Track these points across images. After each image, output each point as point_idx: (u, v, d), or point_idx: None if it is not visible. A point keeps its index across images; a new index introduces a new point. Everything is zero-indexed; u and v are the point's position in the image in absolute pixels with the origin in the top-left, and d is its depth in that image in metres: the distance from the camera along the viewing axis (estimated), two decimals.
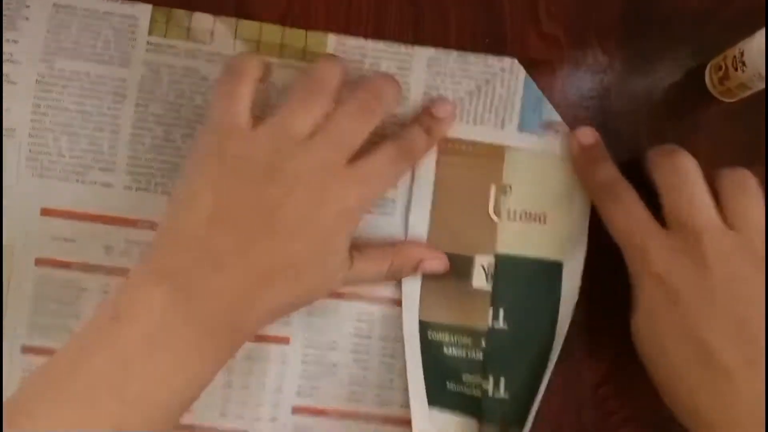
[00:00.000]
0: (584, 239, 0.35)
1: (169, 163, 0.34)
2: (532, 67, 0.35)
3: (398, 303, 0.35)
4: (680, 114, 0.36)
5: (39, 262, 0.34)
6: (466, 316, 0.35)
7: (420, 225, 0.35)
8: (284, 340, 0.35)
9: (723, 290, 0.30)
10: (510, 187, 0.35)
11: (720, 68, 0.34)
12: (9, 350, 0.33)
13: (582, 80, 0.36)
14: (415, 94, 0.35)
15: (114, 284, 0.34)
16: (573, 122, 0.35)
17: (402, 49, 0.35)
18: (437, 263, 0.34)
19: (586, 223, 0.35)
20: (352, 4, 0.35)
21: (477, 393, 0.34)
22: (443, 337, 0.35)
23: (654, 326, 0.31)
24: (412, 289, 0.35)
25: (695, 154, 0.34)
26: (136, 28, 0.34)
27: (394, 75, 0.33)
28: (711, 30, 0.36)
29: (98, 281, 0.34)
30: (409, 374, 0.34)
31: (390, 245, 0.34)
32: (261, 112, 0.30)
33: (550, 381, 0.34)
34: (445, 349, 0.35)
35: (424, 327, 0.35)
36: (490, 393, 0.34)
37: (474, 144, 0.35)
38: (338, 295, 0.35)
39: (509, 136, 0.35)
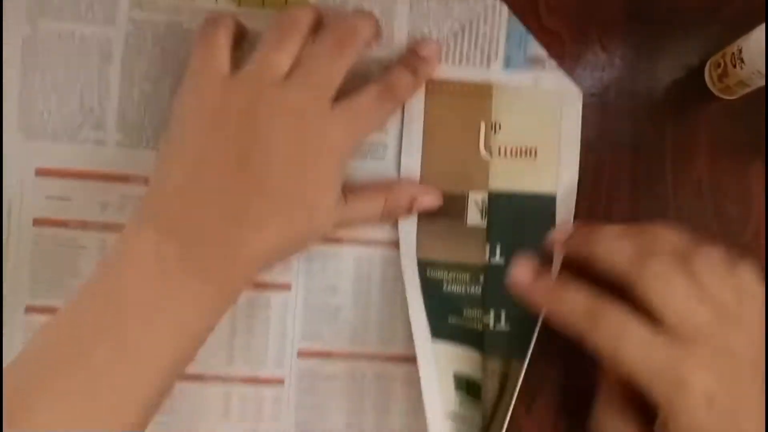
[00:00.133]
0: (575, 169, 0.35)
1: (158, 118, 0.34)
2: None
3: (396, 245, 0.35)
4: (680, 111, 0.36)
5: (36, 222, 0.34)
6: (463, 254, 0.35)
7: (412, 167, 0.35)
8: (285, 287, 0.35)
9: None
10: (499, 125, 0.35)
11: (719, 65, 0.34)
12: (12, 311, 0.34)
13: (582, 77, 0.36)
14: (398, 38, 0.35)
15: (111, 240, 0.34)
16: None
17: None
18: (431, 199, 0.34)
19: (577, 154, 0.35)
20: None
21: (478, 327, 0.35)
22: (442, 274, 0.35)
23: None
24: (408, 230, 0.35)
25: (695, 152, 0.35)
26: None
27: (372, 11, 0.33)
28: (711, 27, 0.36)
29: (96, 238, 0.34)
30: (411, 311, 0.34)
31: (383, 185, 0.34)
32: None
33: None
34: (444, 286, 0.35)
35: (422, 266, 0.35)
36: (491, 326, 0.35)
37: (461, 84, 0.35)
38: (336, 240, 0.35)
39: (495, 74, 0.35)
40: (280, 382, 0.35)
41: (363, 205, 0.33)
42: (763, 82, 0.32)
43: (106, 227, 0.34)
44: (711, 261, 0.29)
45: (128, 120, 0.34)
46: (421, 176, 0.35)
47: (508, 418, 0.32)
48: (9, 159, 0.34)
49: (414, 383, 0.34)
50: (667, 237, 0.30)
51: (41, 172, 0.34)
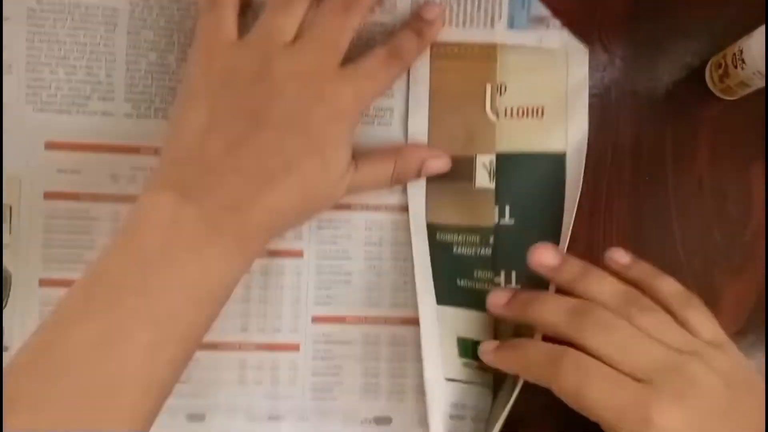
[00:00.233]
0: (584, 127, 0.35)
1: (166, 87, 0.34)
2: None
3: (406, 209, 0.35)
4: (680, 112, 0.36)
5: (48, 195, 0.34)
6: (473, 216, 0.35)
7: (419, 131, 0.35)
8: (297, 254, 0.35)
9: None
10: (505, 86, 0.35)
11: (720, 66, 0.34)
12: (26, 285, 0.34)
13: None
14: (402, 3, 0.35)
15: (123, 211, 0.34)
16: None
17: None
18: (440, 162, 0.34)
19: (585, 111, 0.35)
20: None
21: (489, 288, 0.35)
22: (452, 237, 0.35)
23: None
24: (417, 194, 0.35)
25: (695, 152, 0.35)
26: None
27: None
28: (712, 28, 0.36)
29: (108, 210, 0.34)
30: (416, 275, 0.34)
31: (392, 149, 0.34)
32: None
33: None
34: (454, 249, 0.35)
35: (432, 229, 0.35)
36: (503, 286, 0.35)
37: (465, 46, 0.35)
38: (346, 207, 0.35)
39: (500, 35, 0.35)
40: (295, 347, 0.35)
41: (373, 169, 0.33)
42: (763, 83, 0.32)
43: (118, 199, 0.34)
44: (644, 309, 0.29)
45: (136, 91, 0.34)
46: (429, 140, 0.35)
47: (521, 381, 0.32)
48: (18, 133, 0.34)
49: None
50: (599, 289, 0.30)
51: (51, 146, 0.34)
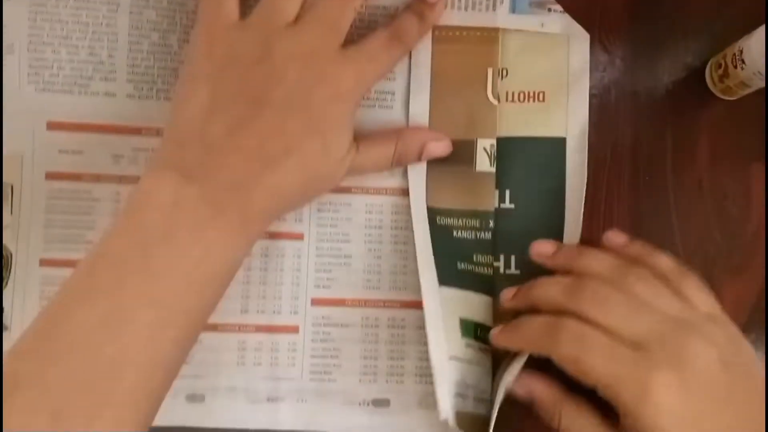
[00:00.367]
0: (585, 112, 0.35)
1: (168, 68, 0.34)
2: None
3: (406, 192, 0.36)
4: (680, 112, 0.36)
5: (49, 175, 0.34)
6: (473, 200, 0.35)
7: (420, 114, 0.35)
8: (298, 236, 0.35)
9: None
10: (506, 70, 0.36)
11: (720, 66, 0.34)
12: (27, 264, 0.34)
13: None
14: None
15: (125, 192, 0.34)
16: None
17: None
18: (441, 145, 0.34)
19: (586, 96, 0.35)
20: None
21: (489, 271, 0.35)
22: (452, 221, 0.35)
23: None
24: (418, 177, 0.35)
25: (695, 152, 0.35)
26: None
27: None
28: (712, 28, 0.36)
29: (109, 190, 0.34)
30: (418, 257, 0.35)
31: (394, 132, 0.34)
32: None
33: None
34: (454, 233, 0.35)
35: (432, 213, 0.35)
36: (502, 270, 0.35)
37: (467, 29, 0.35)
38: (347, 190, 0.35)
39: (501, 19, 0.35)
40: (294, 330, 0.35)
41: (374, 150, 0.33)
42: (763, 84, 0.32)
43: (120, 179, 0.34)
44: (641, 277, 0.30)
45: (138, 71, 0.34)
46: (430, 124, 0.35)
47: (521, 359, 0.33)
48: (20, 113, 0.34)
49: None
50: (595, 262, 0.32)
51: (53, 126, 0.34)
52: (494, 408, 0.31)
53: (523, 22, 0.35)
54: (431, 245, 0.35)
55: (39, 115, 0.34)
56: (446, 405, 0.32)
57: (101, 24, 0.34)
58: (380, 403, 0.35)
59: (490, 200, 0.35)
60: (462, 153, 0.35)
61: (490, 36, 0.35)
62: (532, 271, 0.34)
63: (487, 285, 0.35)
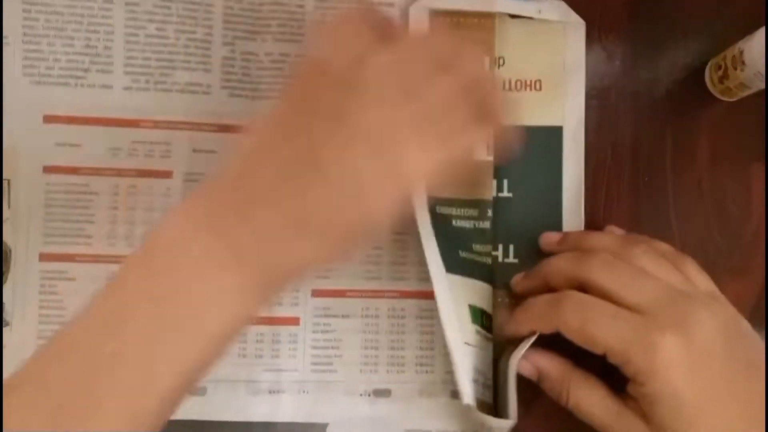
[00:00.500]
0: (582, 100, 0.36)
1: (165, 60, 0.34)
2: None
3: None
4: (680, 112, 0.36)
5: (47, 169, 0.34)
6: (471, 189, 0.35)
7: None
8: None
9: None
10: (503, 59, 0.36)
11: (720, 67, 0.34)
12: (26, 259, 0.34)
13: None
14: None
15: (123, 186, 0.34)
16: None
17: None
18: None
19: (582, 85, 0.36)
20: None
21: (488, 260, 0.35)
22: (451, 210, 0.35)
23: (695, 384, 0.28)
24: None
25: (695, 153, 0.35)
26: None
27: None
28: (712, 29, 0.36)
29: (107, 183, 0.34)
30: (424, 245, 0.34)
31: None
32: None
33: None
34: (453, 222, 0.35)
35: (431, 201, 0.35)
36: (500, 259, 0.35)
37: (464, 14, 0.35)
38: None
39: (499, 4, 0.35)
40: (295, 321, 0.35)
41: None
42: (763, 85, 0.32)
43: (118, 172, 0.34)
44: (646, 251, 0.31)
45: (134, 63, 0.34)
46: None
47: (526, 343, 0.32)
48: (16, 106, 0.34)
49: (425, 317, 0.35)
50: (602, 239, 0.33)
51: (49, 119, 0.34)
52: (509, 392, 0.31)
53: (520, 8, 0.35)
54: (434, 234, 0.35)
55: (35, 109, 0.34)
56: (468, 390, 0.32)
57: (97, 15, 0.34)
58: (381, 393, 0.35)
59: (489, 189, 0.35)
60: None
61: (486, 24, 0.35)
62: (531, 260, 0.35)
63: (487, 274, 0.35)
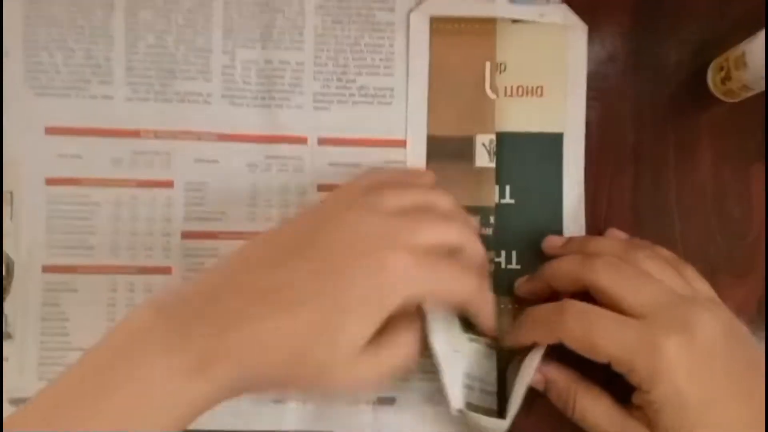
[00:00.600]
0: (582, 106, 0.35)
1: (165, 70, 0.34)
2: None
3: None
4: (682, 114, 0.36)
5: (49, 181, 0.34)
6: (473, 196, 0.35)
7: (419, 109, 0.35)
8: None
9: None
10: (504, 65, 0.36)
11: (722, 69, 0.34)
12: (29, 270, 0.34)
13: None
14: None
15: (125, 197, 0.34)
16: None
17: None
18: None
19: (583, 91, 0.36)
20: None
21: (490, 267, 0.35)
22: None
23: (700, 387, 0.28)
24: None
25: (697, 154, 0.35)
26: None
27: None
28: (714, 30, 0.36)
29: (109, 194, 0.34)
30: None
31: (409, 320, 0.29)
32: None
33: None
34: None
35: None
36: (503, 265, 0.35)
37: (466, 20, 0.35)
38: None
39: (501, 8, 0.35)
40: None
41: (395, 352, 0.28)
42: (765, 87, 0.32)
43: (119, 183, 0.34)
44: (649, 255, 0.31)
45: (135, 74, 0.34)
46: (428, 119, 0.35)
47: (537, 354, 0.31)
48: (18, 118, 0.34)
49: None
50: (605, 244, 0.32)
51: (51, 131, 0.34)
52: (512, 403, 0.31)
53: (522, 12, 0.35)
54: None
55: (37, 120, 0.34)
56: (456, 394, 0.32)
57: (97, 26, 0.34)
58: (386, 401, 0.35)
59: (491, 196, 0.35)
60: (461, 150, 0.35)
61: (488, 29, 0.35)
62: (534, 265, 0.35)
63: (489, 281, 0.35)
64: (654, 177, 0.36)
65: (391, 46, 0.35)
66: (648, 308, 0.28)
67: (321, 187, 0.35)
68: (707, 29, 0.36)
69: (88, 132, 0.34)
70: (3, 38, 0.33)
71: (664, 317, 0.28)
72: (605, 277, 0.29)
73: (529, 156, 0.36)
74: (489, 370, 0.34)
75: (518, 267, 0.35)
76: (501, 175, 0.35)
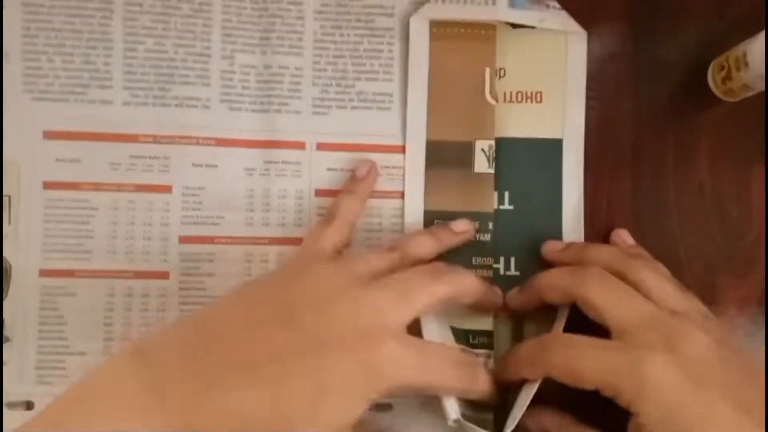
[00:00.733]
0: (582, 112, 0.35)
1: (164, 74, 0.34)
2: None
3: (403, 195, 0.35)
4: (682, 113, 0.36)
5: (47, 185, 0.34)
6: (472, 202, 0.35)
7: (418, 115, 0.35)
8: (298, 241, 0.35)
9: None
10: (504, 70, 0.35)
11: (722, 68, 0.34)
12: (26, 275, 0.34)
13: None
14: None
15: (123, 201, 0.34)
16: None
17: None
18: None
19: (583, 97, 0.35)
20: None
21: (488, 273, 0.35)
22: None
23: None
24: (416, 181, 0.35)
25: (697, 154, 0.35)
26: None
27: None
28: (714, 30, 0.36)
29: (107, 199, 0.34)
30: None
31: None
32: None
33: None
34: None
35: (430, 216, 0.35)
36: (501, 272, 0.35)
37: (466, 25, 0.35)
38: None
39: (501, 13, 0.35)
40: None
41: None
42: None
43: (118, 188, 0.34)
44: (647, 265, 0.31)
45: (134, 78, 0.34)
46: (428, 125, 0.35)
47: (529, 389, 0.31)
48: (16, 122, 0.34)
49: None
50: (603, 252, 0.32)
51: (49, 135, 0.34)
52: (511, 419, 0.30)
53: (521, 17, 0.35)
54: None
55: (35, 125, 0.34)
56: (452, 405, 0.31)
57: (95, 31, 0.34)
58: (383, 407, 0.35)
59: (490, 202, 0.35)
60: (460, 155, 0.35)
61: (487, 34, 0.35)
62: (532, 272, 0.34)
63: None
64: (654, 177, 0.36)
65: (390, 51, 0.35)
66: (633, 327, 0.28)
67: (319, 192, 0.35)
68: (706, 30, 0.36)
69: (87, 136, 0.34)
70: (3, 43, 0.33)
71: (648, 336, 0.28)
72: (593, 292, 0.29)
73: (529, 162, 0.35)
74: None
75: (517, 273, 0.35)
76: (500, 181, 0.35)
